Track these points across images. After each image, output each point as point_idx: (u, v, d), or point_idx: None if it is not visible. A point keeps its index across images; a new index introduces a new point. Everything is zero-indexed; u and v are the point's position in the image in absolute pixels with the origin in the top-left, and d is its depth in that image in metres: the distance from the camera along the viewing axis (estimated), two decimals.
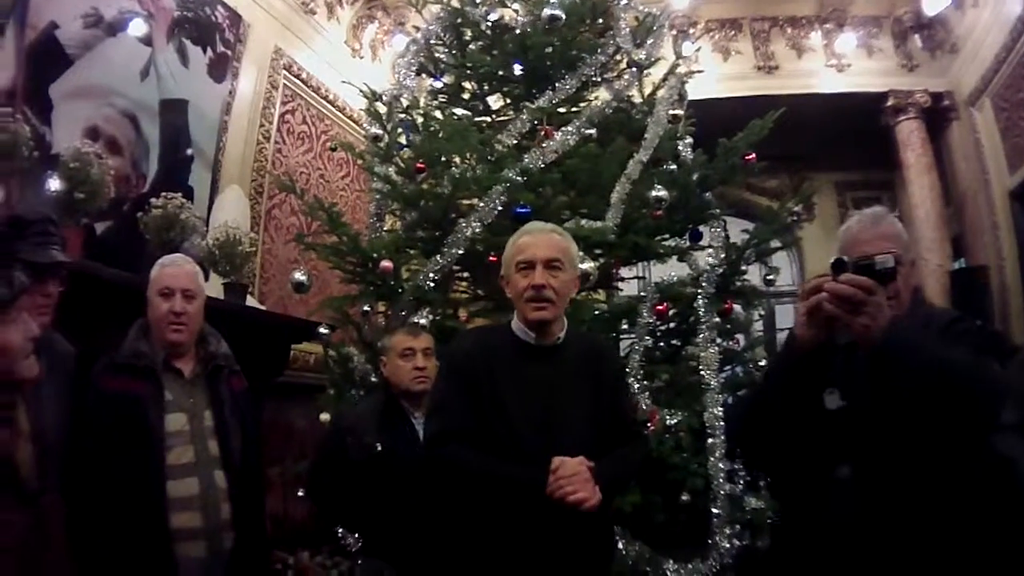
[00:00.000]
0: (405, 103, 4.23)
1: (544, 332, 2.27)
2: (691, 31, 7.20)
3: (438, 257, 3.67)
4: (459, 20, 4.39)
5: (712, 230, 3.96)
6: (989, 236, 6.67)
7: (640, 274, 4.34)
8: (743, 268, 3.94)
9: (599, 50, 4.22)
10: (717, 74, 7.16)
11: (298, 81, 6.29)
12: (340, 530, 3.24)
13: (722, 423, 3.34)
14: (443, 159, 3.91)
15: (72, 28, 4.18)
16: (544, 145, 3.76)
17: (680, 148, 4.14)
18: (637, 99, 4.39)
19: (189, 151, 5.10)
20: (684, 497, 3.22)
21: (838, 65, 7.22)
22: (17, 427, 2.00)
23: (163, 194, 4.11)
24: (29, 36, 3.93)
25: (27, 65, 3.90)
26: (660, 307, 3.71)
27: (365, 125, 4.26)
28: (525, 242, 2.30)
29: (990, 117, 6.57)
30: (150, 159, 4.75)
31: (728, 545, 3.18)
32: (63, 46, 4.12)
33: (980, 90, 6.61)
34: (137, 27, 4.64)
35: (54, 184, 3.52)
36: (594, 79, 4.29)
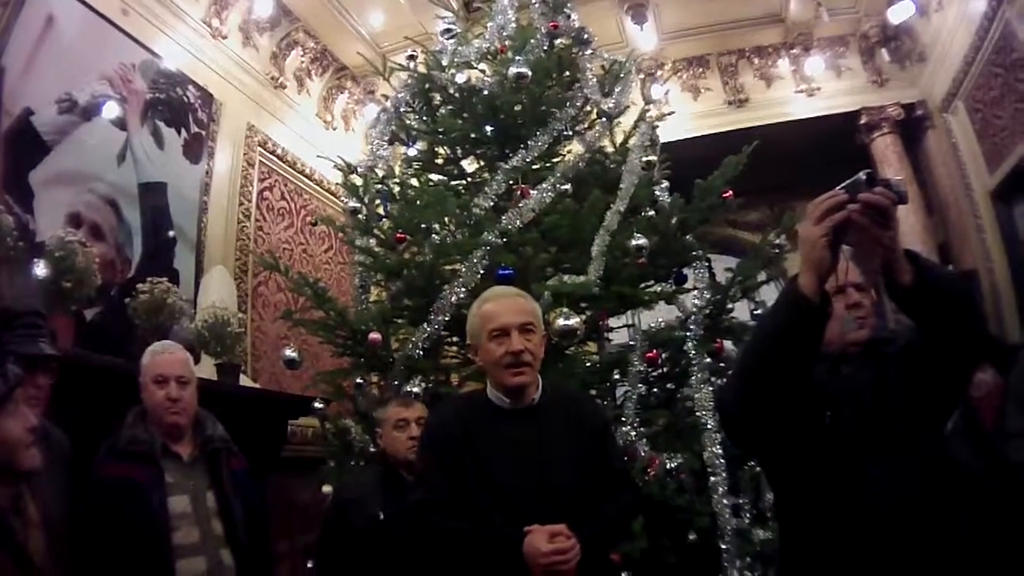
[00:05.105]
0: (380, 173, 4.27)
1: (520, 396, 2.27)
2: (659, 73, 7.27)
3: (425, 325, 3.67)
4: (427, 85, 4.42)
5: (696, 271, 3.98)
6: (975, 240, 6.60)
7: (629, 321, 4.33)
8: (730, 306, 3.95)
9: (568, 103, 4.25)
10: (688, 113, 7.18)
11: (273, 157, 6.32)
12: None
13: (722, 460, 3.35)
14: (423, 227, 3.93)
15: (47, 114, 4.21)
16: (521, 205, 3.77)
17: (657, 193, 4.16)
18: (610, 149, 4.43)
19: (171, 233, 5.11)
20: (692, 537, 3.22)
21: (808, 90, 7.26)
22: (27, 516, 2.02)
23: (149, 279, 4.13)
24: (5, 123, 3.96)
25: (6, 153, 3.93)
26: (650, 354, 3.72)
27: (343, 198, 4.28)
28: (493, 310, 2.30)
29: (965, 120, 6.54)
30: (133, 243, 4.77)
31: None
32: (39, 133, 4.15)
33: (952, 94, 6.58)
34: (111, 110, 4.68)
35: (40, 272, 3.53)
36: (565, 133, 4.30)
